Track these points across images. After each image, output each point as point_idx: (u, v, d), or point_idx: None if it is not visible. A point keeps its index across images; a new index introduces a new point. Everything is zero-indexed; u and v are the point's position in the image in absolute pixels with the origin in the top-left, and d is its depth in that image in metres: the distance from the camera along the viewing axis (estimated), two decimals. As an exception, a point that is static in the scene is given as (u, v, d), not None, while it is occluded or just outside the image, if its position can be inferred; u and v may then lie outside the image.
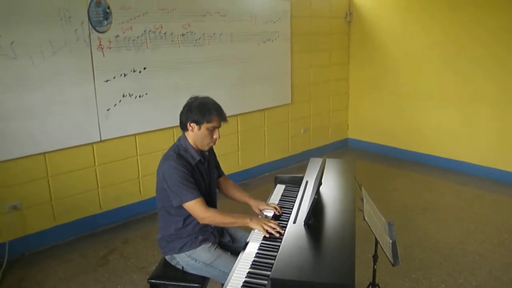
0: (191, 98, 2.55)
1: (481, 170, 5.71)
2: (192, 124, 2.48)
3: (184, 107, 2.52)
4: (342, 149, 7.11)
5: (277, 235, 2.34)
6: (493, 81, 5.42)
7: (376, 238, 2.49)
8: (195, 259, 2.53)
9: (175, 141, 4.63)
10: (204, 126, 2.47)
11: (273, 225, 2.40)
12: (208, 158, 2.66)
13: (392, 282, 3.39)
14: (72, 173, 4.07)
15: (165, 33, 4.35)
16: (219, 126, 2.52)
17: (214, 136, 2.52)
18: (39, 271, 3.67)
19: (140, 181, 4.58)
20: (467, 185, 5.51)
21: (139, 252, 3.95)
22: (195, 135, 2.50)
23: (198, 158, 2.53)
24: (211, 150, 2.68)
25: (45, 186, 3.95)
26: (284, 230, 2.27)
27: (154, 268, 2.70)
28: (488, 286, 3.40)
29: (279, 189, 3.10)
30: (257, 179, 5.76)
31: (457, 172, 5.88)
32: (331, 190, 2.65)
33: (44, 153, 3.86)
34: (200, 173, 2.56)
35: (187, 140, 2.54)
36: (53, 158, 3.93)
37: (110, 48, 4.00)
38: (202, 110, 2.45)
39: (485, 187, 5.43)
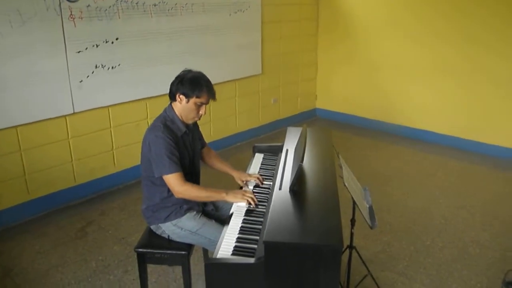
0: (184, 71, 2.55)
1: (445, 139, 5.96)
2: (181, 96, 2.50)
3: (176, 78, 2.53)
4: (311, 119, 7.24)
5: (253, 204, 2.47)
6: (458, 52, 5.60)
7: (354, 203, 2.62)
8: (181, 227, 2.58)
9: (148, 112, 4.69)
10: (193, 100, 2.49)
11: (251, 195, 2.52)
12: (193, 130, 2.69)
13: (366, 245, 3.57)
14: (45, 146, 4.01)
15: (137, 3, 4.26)
16: (207, 103, 2.55)
17: (200, 112, 2.56)
18: (15, 246, 3.64)
19: (114, 153, 4.55)
20: (432, 153, 5.76)
21: (117, 224, 3.97)
22: (182, 107, 2.52)
23: (184, 129, 2.57)
24: (194, 122, 2.71)
25: (18, 160, 3.88)
26: (269, 197, 2.36)
27: (137, 238, 2.75)
28: (453, 246, 3.63)
29: (258, 157, 3.20)
30: (230, 149, 5.83)
31: (423, 141, 6.11)
32: (311, 157, 2.74)
33: (16, 127, 3.78)
34: (185, 145, 2.59)
35: (174, 111, 2.55)
36: (26, 132, 3.85)
37: (81, 18, 3.90)
38: (193, 84, 2.47)
39: (449, 155, 5.68)
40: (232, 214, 2.43)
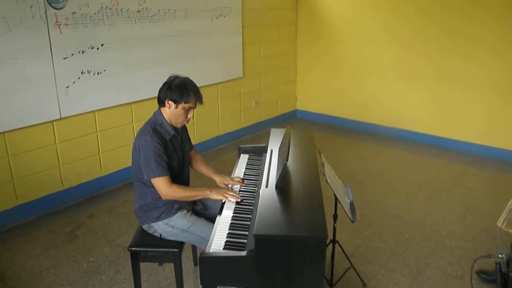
0: (171, 77, 2.66)
1: (423, 138, 6.17)
2: (170, 102, 2.61)
3: (164, 85, 2.63)
4: (291, 120, 7.40)
5: (238, 200, 2.62)
6: (433, 53, 5.81)
7: (337, 199, 2.77)
8: (173, 226, 2.70)
9: (133, 117, 4.77)
10: (181, 105, 2.60)
11: (232, 193, 2.66)
12: (181, 133, 2.81)
13: (347, 240, 3.72)
14: (33, 151, 4.06)
15: (121, 10, 4.36)
16: (194, 107, 2.66)
17: (189, 116, 2.67)
18: (6, 250, 3.69)
19: (101, 157, 4.62)
20: (411, 151, 5.97)
21: (106, 226, 4.05)
22: (171, 112, 2.64)
23: (172, 133, 2.68)
24: (183, 125, 2.83)
25: (6, 165, 3.93)
26: (256, 195, 2.49)
27: (126, 239, 2.85)
28: (430, 238, 3.82)
29: (244, 158, 3.33)
30: (213, 151, 5.95)
31: (401, 140, 6.32)
32: (295, 157, 2.88)
33: (3, 133, 3.83)
34: (174, 147, 2.71)
35: (163, 116, 2.67)
36: (13, 137, 3.91)
37: (67, 25, 3.98)
38: (181, 90, 2.58)
39: (427, 153, 5.90)
40: (222, 209, 2.56)
